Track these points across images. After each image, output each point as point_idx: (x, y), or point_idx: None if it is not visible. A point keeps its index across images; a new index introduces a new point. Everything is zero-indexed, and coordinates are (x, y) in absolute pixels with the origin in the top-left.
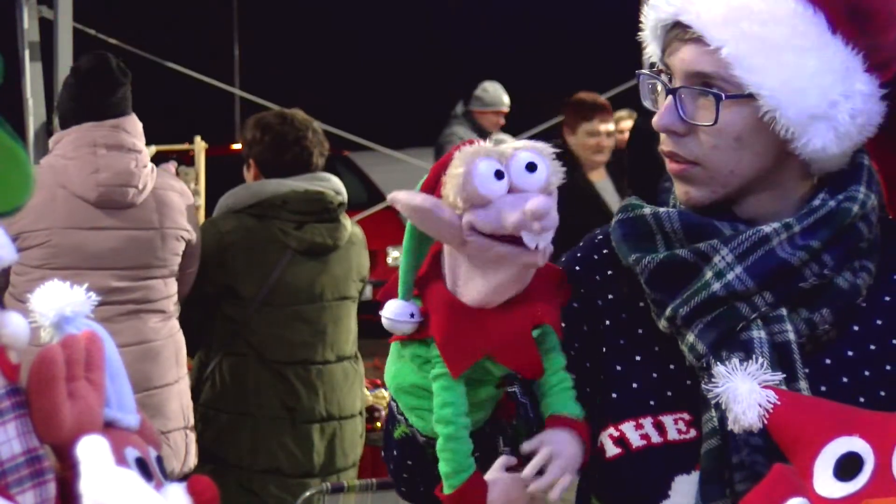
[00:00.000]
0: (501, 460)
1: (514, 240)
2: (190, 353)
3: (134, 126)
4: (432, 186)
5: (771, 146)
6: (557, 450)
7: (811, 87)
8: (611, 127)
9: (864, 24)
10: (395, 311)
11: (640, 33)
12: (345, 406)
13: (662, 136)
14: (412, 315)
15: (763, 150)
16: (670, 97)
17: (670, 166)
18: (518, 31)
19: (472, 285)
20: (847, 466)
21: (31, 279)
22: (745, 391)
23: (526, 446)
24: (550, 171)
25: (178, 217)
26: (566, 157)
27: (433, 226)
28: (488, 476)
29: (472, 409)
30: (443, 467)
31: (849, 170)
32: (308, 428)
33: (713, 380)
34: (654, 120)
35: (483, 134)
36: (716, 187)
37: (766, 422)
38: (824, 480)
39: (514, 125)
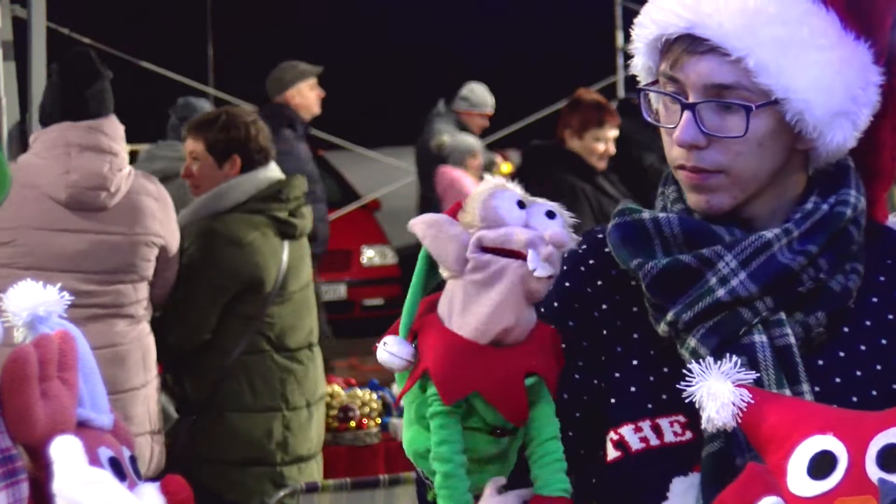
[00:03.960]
0: (491, 482)
1: (515, 255)
2: (195, 361)
3: (113, 128)
4: (452, 214)
5: (786, 145)
6: None
7: (837, 84)
8: (616, 133)
9: (866, 17)
10: (394, 347)
11: (621, 36)
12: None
13: (679, 150)
14: (408, 355)
15: (779, 150)
16: (687, 112)
17: (689, 177)
18: (490, 30)
19: (469, 312)
20: (821, 465)
21: None
22: (718, 390)
23: None
24: (567, 229)
25: (150, 223)
26: (574, 159)
27: (441, 243)
28: (480, 503)
29: (489, 463)
30: None
31: (835, 172)
32: (317, 409)
33: (687, 378)
34: (676, 136)
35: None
36: (736, 193)
37: (739, 421)
38: (798, 479)
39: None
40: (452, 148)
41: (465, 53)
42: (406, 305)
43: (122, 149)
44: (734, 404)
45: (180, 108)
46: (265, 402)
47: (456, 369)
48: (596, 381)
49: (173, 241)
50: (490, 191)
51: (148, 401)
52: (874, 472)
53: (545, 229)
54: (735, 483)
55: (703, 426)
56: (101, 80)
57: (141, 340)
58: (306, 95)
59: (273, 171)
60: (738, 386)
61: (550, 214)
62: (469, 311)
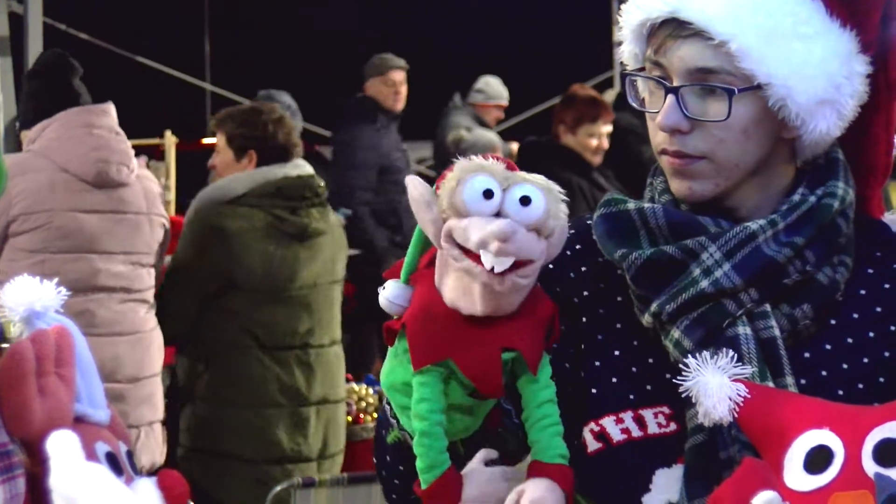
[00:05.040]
0: (481, 454)
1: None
2: (180, 349)
3: (114, 113)
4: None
5: (770, 134)
6: (538, 499)
7: (820, 73)
8: (610, 128)
9: (855, 6)
10: (392, 292)
11: (619, 31)
12: (338, 390)
13: (662, 135)
14: (405, 301)
15: (764, 138)
16: (671, 96)
17: (671, 162)
18: (486, 27)
19: (446, 285)
20: (817, 459)
21: (32, 263)
22: (715, 385)
23: (509, 500)
24: (545, 214)
25: (158, 204)
26: (570, 155)
27: (421, 222)
28: (466, 469)
29: (458, 412)
30: (418, 462)
31: (825, 164)
32: (307, 412)
33: (683, 373)
34: (658, 120)
35: (483, 126)
36: (719, 180)
37: (736, 415)
38: (794, 473)
39: None
40: (471, 144)
41: (461, 50)
42: (409, 250)
43: None
44: (731, 399)
45: (262, 99)
46: (244, 398)
47: (431, 334)
48: (568, 366)
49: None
50: (459, 177)
51: (161, 388)
52: (870, 467)
53: (517, 215)
54: (732, 477)
55: (699, 420)
56: (79, 75)
57: (155, 329)
58: (379, 89)
59: (290, 168)
60: (735, 380)
61: (525, 200)
62: (446, 284)
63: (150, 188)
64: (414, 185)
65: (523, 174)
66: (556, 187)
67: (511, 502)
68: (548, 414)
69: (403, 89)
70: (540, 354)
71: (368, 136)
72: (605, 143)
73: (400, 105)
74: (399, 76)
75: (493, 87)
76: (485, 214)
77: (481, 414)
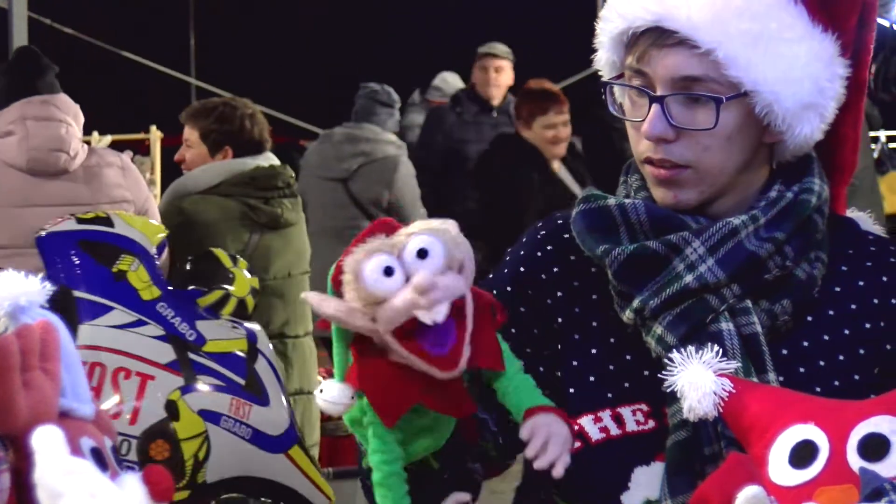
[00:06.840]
0: (452, 497)
1: (419, 333)
2: None
3: (65, 104)
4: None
5: (753, 139)
6: (552, 430)
7: (805, 76)
8: (566, 117)
9: (833, 9)
10: (331, 394)
11: (596, 38)
12: (312, 381)
13: (646, 143)
14: (347, 399)
15: (747, 144)
16: (656, 105)
17: (657, 172)
18: (469, 23)
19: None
20: (802, 454)
21: None
22: (700, 380)
23: (522, 433)
24: (447, 251)
25: (114, 191)
26: (527, 149)
27: (350, 325)
28: None
29: (419, 436)
30: None
31: (798, 161)
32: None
33: (668, 368)
34: (644, 129)
35: None
36: (704, 188)
37: (721, 410)
38: (779, 468)
39: None
40: None
41: (447, 47)
42: (335, 351)
43: (75, 124)
44: (716, 394)
45: (384, 92)
46: None
47: (391, 388)
48: (542, 369)
49: (147, 205)
50: (353, 272)
51: None
52: (855, 462)
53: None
54: (716, 472)
55: (683, 416)
56: (50, 73)
57: None
58: (477, 76)
59: (261, 160)
60: (719, 375)
61: (422, 254)
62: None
63: (102, 176)
64: (321, 304)
65: (403, 230)
66: (436, 223)
67: (527, 433)
68: (523, 379)
69: (489, 77)
70: (498, 350)
71: (442, 118)
72: (564, 133)
73: (490, 92)
74: (486, 64)
75: (449, 84)
76: (396, 289)
77: (444, 430)
